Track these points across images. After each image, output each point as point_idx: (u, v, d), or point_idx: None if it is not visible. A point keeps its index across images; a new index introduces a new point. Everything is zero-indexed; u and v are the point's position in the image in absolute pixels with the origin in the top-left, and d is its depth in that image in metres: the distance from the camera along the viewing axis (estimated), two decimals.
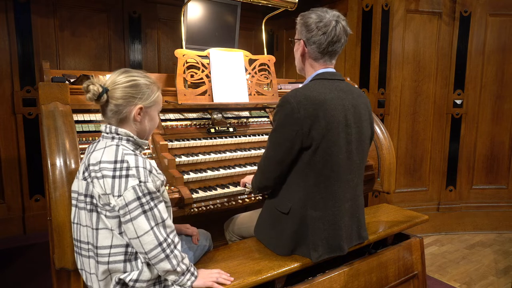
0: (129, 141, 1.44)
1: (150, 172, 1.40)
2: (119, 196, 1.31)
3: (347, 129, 1.66)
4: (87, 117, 2.02)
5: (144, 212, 1.32)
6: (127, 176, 1.33)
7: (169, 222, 1.41)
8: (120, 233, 1.36)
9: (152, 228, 1.33)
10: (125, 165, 1.34)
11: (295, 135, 1.58)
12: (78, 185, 1.42)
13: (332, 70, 1.75)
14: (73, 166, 1.60)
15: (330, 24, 1.64)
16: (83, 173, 1.39)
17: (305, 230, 1.67)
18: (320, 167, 1.62)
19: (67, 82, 1.94)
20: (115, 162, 1.35)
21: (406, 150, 3.84)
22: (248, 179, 2.06)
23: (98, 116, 2.00)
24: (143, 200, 1.33)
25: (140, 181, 1.33)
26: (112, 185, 1.32)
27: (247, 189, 2.09)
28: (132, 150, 1.42)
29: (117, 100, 1.40)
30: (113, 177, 1.33)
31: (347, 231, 1.75)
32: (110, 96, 1.40)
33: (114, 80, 1.42)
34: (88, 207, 1.38)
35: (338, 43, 1.69)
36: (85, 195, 1.38)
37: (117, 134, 1.43)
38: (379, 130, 2.63)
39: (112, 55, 3.75)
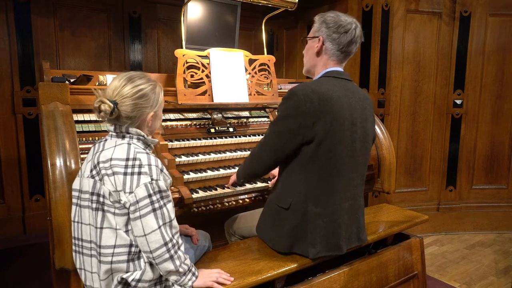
0: (140, 140, 1.46)
1: (162, 170, 1.41)
2: (130, 192, 1.33)
3: (353, 127, 1.66)
4: (87, 117, 2.02)
5: (154, 210, 1.33)
6: (139, 173, 1.34)
7: (175, 222, 1.42)
8: (126, 231, 1.37)
9: (159, 227, 1.34)
10: (137, 162, 1.36)
11: (298, 126, 1.58)
12: (80, 183, 1.43)
13: (341, 70, 1.77)
14: (73, 166, 1.60)
15: (351, 25, 1.70)
16: (91, 171, 1.40)
17: (304, 226, 1.67)
18: (323, 163, 1.62)
19: (67, 82, 1.94)
20: (127, 159, 1.36)
21: (406, 150, 3.84)
22: (234, 178, 2.06)
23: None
24: (154, 198, 1.34)
25: (152, 179, 1.35)
26: (124, 182, 1.33)
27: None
28: (143, 149, 1.43)
29: (130, 113, 1.42)
30: (125, 174, 1.34)
31: (347, 231, 1.75)
32: (120, 110, 1.41)
33: (122, 93, 1.41)
34: (94, 205, 1.38)
35: (355, 45, 1.73)
36: (92, 193, 1.38)
37: (128, 133, 1.45)
38: (379, 130, 2.63)
39: (112, 55, 3.75)
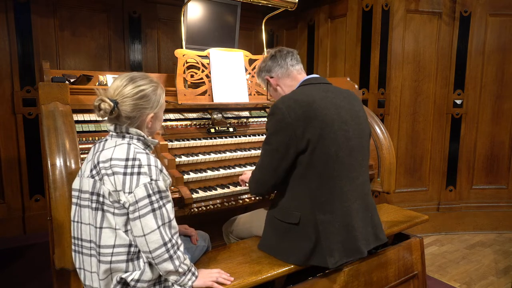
0: (140, 140, 1.46)
1: (161, 171, 1.42)
2: (130, 192, 1.33)
3: (344, 126, 1.66)
4: (87, 117, 2.02)
5: (153, 210, 1.34)
6: (139, 173, 1.34)
7: (174, 223, 1.42)
8: (126, 231, 1.37)
9: (159, 227, 1.34)
10: (137, 162, 1.36)
11: (288, 140, 1.59)
12: (80, 183, 1.43)
13: (315, 75, 1.82)
14: (73, 166, 1.60)
15: (272, 52, 1.90)
16: (91, 171, 1.40)
17: (317, 237, 1.63)
18: (321, 168, 1.61)
19: (67, 82, 1.94)
20: (127, 159, 1.36)
21: (406, 150, 3.84)
22: (246, 177, 2.05)
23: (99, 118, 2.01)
24: (153, 198, 1.34)
25: (151, 179, 1.35)
26: (124, 182, 1.33)
27: (244, 188, 2.09)
28: (143, 149, 1.43)
29: (129, 113, 1.43)
30: (125, 174, 1.34)
31: (362, 232, 1.72)
32: (120, 109, 1.41)
33: (122, 93, 1.42)
34: (94, 205, 1.38)
35: (290, 56, 1.87)
36: (91, 193, 1.38)
37: (128, 133, 1.45)
38: (379, 130, 2.63)
39: (112, 55, 3.75)
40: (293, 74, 1.85)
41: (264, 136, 2.50)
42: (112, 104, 1.38)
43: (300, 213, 1.65)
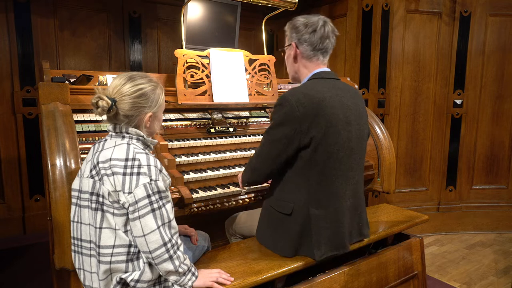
0: (139, 140, 1.46)
1: (161, 171, 1.42)
2: (129, 193, 1.33)
3: (347, 126, 1.66)
4: (87, 117, 2.02)
5: (153, 210, 1.34)
6: (138, 173, 1.34)
7: (174, 223, 1.42)
8: (126, 231, 1.37)
9: (158, 227, 1.34)
10: (136, 163, 1.36)
11: (293, 133, 1.58)
12: (80, 183, 1.43)
13: (328, 69, 1.78)
14: (73, 166, 1.60)
15: (318, 23, 1.71)
16: (90, 171, 1.40)
17: (308, 230, 1.66)
18: (321, 166, 1.62)
19: (67, 82, 1.94)
20: (127, 160, 1.36)
21: (406, 150, 3.84)
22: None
23: (98, 116, 2.01)
24: (153, 198, 1.34)
25: (151, 179, 1.35)
26: (123, 182, 1.33)
27: (243, 190, 2.10)
28: (142, 149, 1.43)
29: (127, 111, 1.42)
30: (124, 174, 1.34)
31: (349, 228, 1.76)
32: (118, 107, 1.41)
33: (121, 91, 1.42)
34: (93, 205, 1.38)
35: (329, 40, 1.73)
36: (91, 193, 1.38)
37: (128, 133, 1.45)
38: (379, 130, 2.63)
39: (112, 55, 3.75)
40: (316, 62, 1.76)
41: None
42: (109, 102, 1.38)
43: (294, 204, 1.67)
